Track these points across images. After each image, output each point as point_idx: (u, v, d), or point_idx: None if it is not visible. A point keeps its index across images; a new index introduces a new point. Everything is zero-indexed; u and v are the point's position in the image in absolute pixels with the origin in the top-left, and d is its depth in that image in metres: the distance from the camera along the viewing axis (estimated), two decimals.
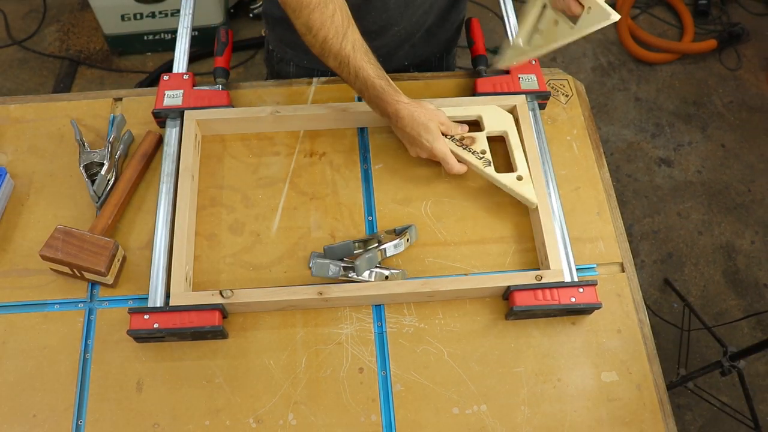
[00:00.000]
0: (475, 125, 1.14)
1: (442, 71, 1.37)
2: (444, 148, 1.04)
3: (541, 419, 0.93)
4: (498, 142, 1.13)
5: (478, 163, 1.07)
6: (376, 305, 1.00)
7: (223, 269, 1.02)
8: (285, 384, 0.94)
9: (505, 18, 1.25)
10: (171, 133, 1.09)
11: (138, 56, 2.60)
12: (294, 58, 1.28)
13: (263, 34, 1.33)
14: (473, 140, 1.09)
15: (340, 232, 1.06)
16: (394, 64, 1.27)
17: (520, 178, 1.05)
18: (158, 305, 0.95)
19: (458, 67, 1.44)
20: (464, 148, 1.07)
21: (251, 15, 2.69)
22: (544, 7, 1.06)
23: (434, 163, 1.12)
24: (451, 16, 1.28)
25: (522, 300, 0.96)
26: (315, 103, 1.17)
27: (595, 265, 1.05)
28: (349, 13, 0.98)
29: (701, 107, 2.59)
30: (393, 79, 1.21)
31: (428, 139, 1.04)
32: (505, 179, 1.06)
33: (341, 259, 0.98)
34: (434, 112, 1.05)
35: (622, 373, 0.97)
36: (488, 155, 1.07)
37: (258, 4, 2.67)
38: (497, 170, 1.07)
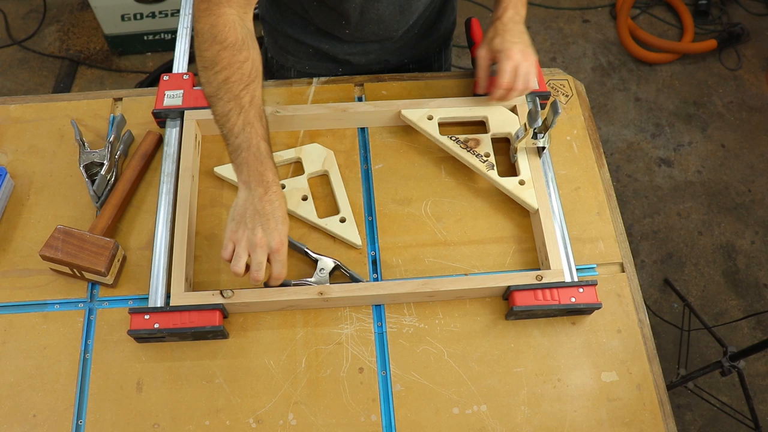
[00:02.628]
0: (481, 125, 1.14)
1: (442, 65, 1.38)
2: (231, 243, 0.90)
3: (541, 419, 0.93)
4: (502, 143, 1.13)
5: (481, 167, 1.07)
6: (376, 305, 1.00)
7: (223, 269, 1.02)
8: (285, 384, 0.94)
9: None
10: (171, 133, 1.09)
11: (138, 56, 2.60)
12: (296, 65, 1.28)
13: (263, 34, 1.33)
14: (477, 143, 1.09)
15: None
16: (393, 63, 1.28)
17: (522, 183, 1.05)
18: (159, 305, 0.95)
19: (459, 67, 1.44)
20: (468, 151, 1.07)
21: None
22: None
23: (434, 163, 1.12)
24: (445, 13, 1.28)
25: (522, 300, 0.96)
26: (315, 103, 1.17)
27: (595, 265, 1.05)
28: (261, 74, 0.92)
29: (701, 107, 2.59)
30: (394, 80, 1.22)
31: (238, 231, 0.90)
32: (508, 183, 1.06)
33: None
34: (276, 231, 0.90)
35: (622, 373, 0.97)
36: (492, 158, 1.07)
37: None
38: (500, 170, 1.07)
